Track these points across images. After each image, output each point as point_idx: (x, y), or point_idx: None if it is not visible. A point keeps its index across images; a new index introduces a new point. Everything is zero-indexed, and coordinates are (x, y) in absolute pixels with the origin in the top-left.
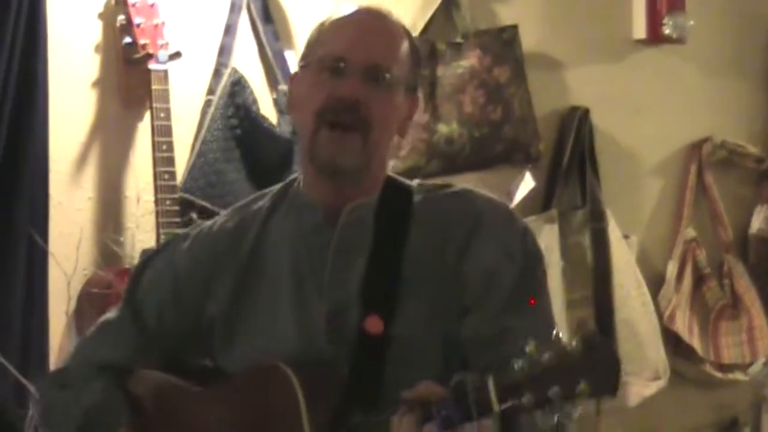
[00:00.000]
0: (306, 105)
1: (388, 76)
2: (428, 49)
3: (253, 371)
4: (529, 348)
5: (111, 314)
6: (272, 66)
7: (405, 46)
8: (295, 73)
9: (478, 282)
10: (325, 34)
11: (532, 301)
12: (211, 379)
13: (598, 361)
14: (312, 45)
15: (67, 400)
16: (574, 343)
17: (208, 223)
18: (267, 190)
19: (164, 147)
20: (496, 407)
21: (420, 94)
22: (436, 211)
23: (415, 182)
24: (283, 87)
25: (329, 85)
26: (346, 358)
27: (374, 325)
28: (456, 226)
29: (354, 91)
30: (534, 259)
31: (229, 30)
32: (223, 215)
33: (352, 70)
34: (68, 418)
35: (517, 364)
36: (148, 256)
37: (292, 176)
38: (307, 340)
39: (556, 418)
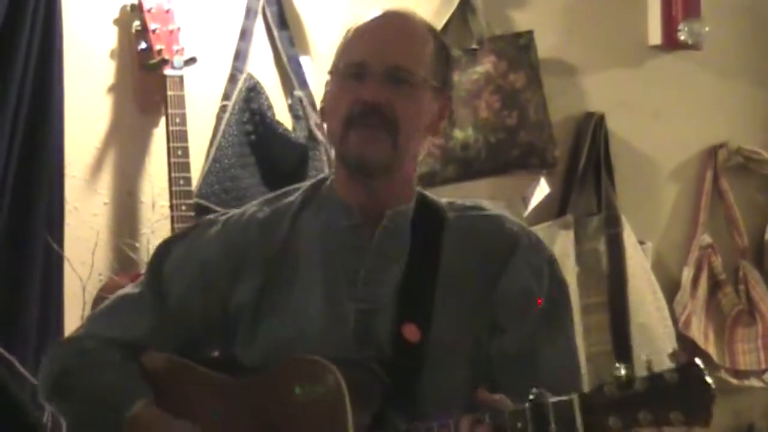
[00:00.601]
0: (335, 113)
1: (410, 76)
2: None
3: (293, 364)
4: (618, 372)
5: (130, 290)
6: (287, 72)
7: (429, 45)
8: (327, 83)
9: (514, 301)
10: (349, 41)
11: (561, 328)
12: (225, 369)
13: (693, 390)
14: (339, 53)
15: (84, 371)
16: (667, 371)
17: (238, 211)
18: (296, 186)
19: (180, 152)
20: (580, 426)
21: (451, 93)
22: (471, 230)
23: (444, 200)
24: (299, 93)
25: (352, 90)
26: (380, 359)
27: (412, 333)
28: (493, 246)
29: (375, 94)
30: (562, 284)
31: (245, 35)
32: (253, 205)
33: (373, 74)
34: (85, 390)
35: (606, 387)
36: (172, 238)
37: (322, 175)
38: (334, 339)
39: None
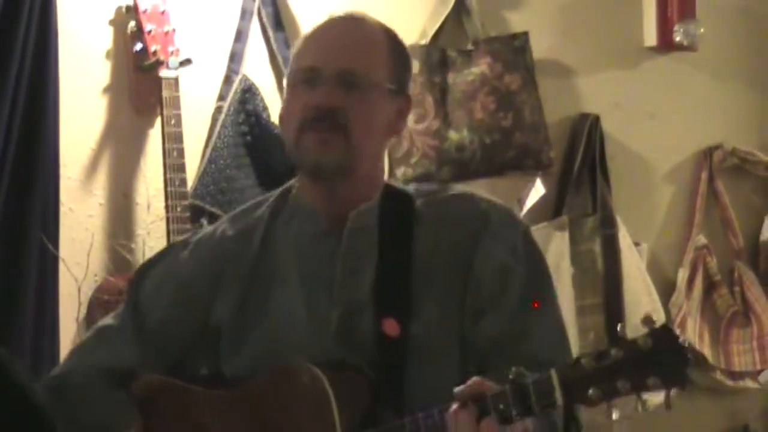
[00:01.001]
0: (289, 119)
1: (362, 80)
2: (439, 56)
3: (279, 372)
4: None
5: (109, 321)
6: (283, 73)
7: (383, 48)
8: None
9: (492, 281)
10: (301, 47)
11: (544, 300)
12: (216, 384)
13: (667, 354)
14: (292, 61)
15: (72, 411)
16: (641, 338)
17: (208, 229)
18: (263, 198)
19: (175, 153)
20: (559, 400)
21: (410, 93)
22: (440, 214)
23: (411, 186)
24: None
25: (304, 96)
26: (364, 360)
27: (392, 327)
28: (463, 227)
29: (327, 98)
30: (539, 255)
31: (240, 37)
32: (221, 222)
33: (324, 78)
34: (72, 423)
35: (583, 359)
36: (146, 264)
37: (288, 183)
38: (319, 344)
39: (615, 415)
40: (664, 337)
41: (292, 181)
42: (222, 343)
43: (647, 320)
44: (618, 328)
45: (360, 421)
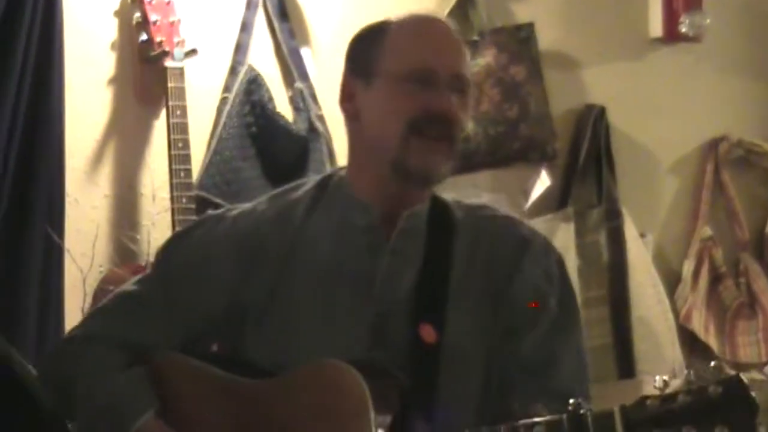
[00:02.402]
0: (392, 113)
1: (467, 86)
2: None
3: (313, 368)
4: (659, 384)
5: (133, 288)
6: (288, 63)
7: (468, 54)
8: (352, 82)
9: (526, 303)
10: (399, 45)
11: (572, 329)
12: (235, 367)
13: (736, 404)
14: (378, 53)
15: (89, 379)
16: (711, 385)
17: (246, 207)
18: (300, 182)
19: (180, 145)
20: None
21: None
22: (481, 230)
23: (451, 198)
24: (299, 85)
25: (420, 96)
26: (395, 362)
27: (429, 333)
28: (504, 246)
29: (448, 104)
30: (571, 286)
31: (246, 27)
32: (261, 202)
33: (443, 82)
34: (91, 400)
35: (649, 400)
36: (179, 234)
37: (328, 172)
38: (350, 339)
39: None
40: (734, 386)
41: (331, 171)
42: (247, 325)
43: (717, 368)
44: (691, 373)
45: (391, 424)
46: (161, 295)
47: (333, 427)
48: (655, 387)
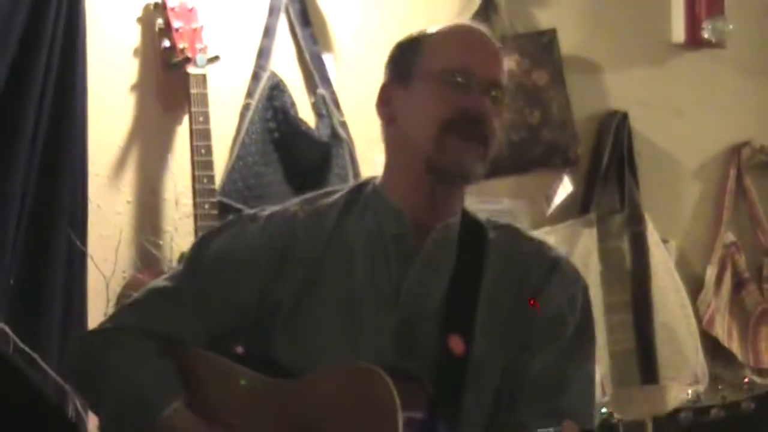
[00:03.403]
0: (423, 114)
1: (503, 94)
2: None
3: (342, 370)
4: (692, 396)
5: (164, 284)
6: (310, 69)
7: (506, 63)
8: (390, 87)
9: (548, 323)
10: (438, 46)
11: (586, 356)
12: (262, 366)
13: None
14: (416, 57)
15: (120, 365)
16: (744, 401)
17: (279, 208)
18: (335, 188)
19: (203, 151)
20: None
21: None
22: (513, 250)
23: (482, 216)
24: (322, 91)
25: (456, 97)
26: (421, 370)
27: (457, 345)
28: (535, 268)
29: (483, 107)
30: (591, 313)
31: (268, 33)
32: (294, 204)
33: (479, 85)
34: (121, 384)
35: (682, 413)
36: (212, 232)
37: (365, 179)
38: (375, 344)
39: None
40: (767, 403)
41: (367, 178)
42: (275, 326)
43: (750, 385)
44: (720, 389)
45: (418, 427)
46: (193, 290)
47: (361, 428)
48: (687, 400)
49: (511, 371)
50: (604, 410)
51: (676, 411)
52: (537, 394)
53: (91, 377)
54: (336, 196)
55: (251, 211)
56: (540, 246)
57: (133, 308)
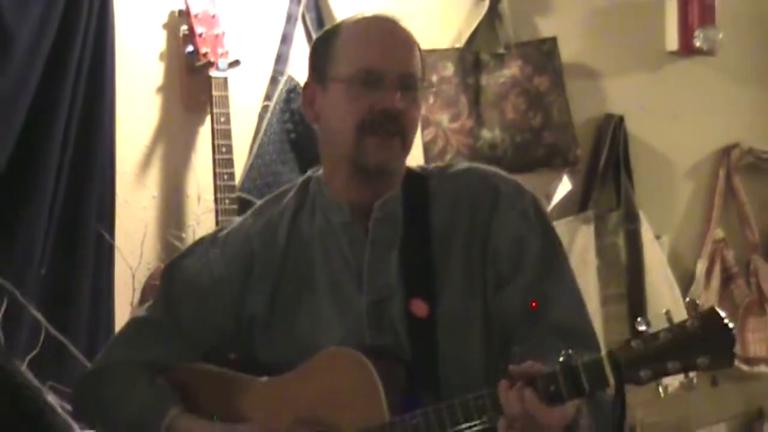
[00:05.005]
0: (341, 116)
1: (416, 83)
2: (472, 59)
3: (324, 358)
4: (640, 327)
5: (144, 314)
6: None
7: (418, 48)
8: (312, 86)
9: (509, 250)
10: (348, 45)
11: (559, 265)
12: (254, 370)
13: (715, 335)
14: (331, 55)
15: (119, 400)
16: (689, 320)
17: (234, 225)
18: (284, 189)
19: (224, 149)
20: (611, 380)
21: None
22: (453, 190)
23: (417, 166)
24: None
25: (369, 97)
26: (398, 343)
27: (420, 308)
28: (476, 201)
29: (393, 102)
30: (549, 222)
31: (286, 39)
32: (247, 218)
33: (389, 81)
34: (123, 417)
35: (633, 342)
36: (175, 261)
37: (306, 175)
38: (351, 331)
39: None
40: (711, 319)
41: (309, 173)
42: (256, 334)
43: (692, 304)
44: (665, 313)
45: (401, 403)
46: (169, 319)
47: (347, 410)
48: (637, 326)
49: (495, 311)
50: (562, 353)
51: (628, 340)
52: (523, 323)
53: (95, 416)
54: (285, 200)
55: (210, 234)
56: (477, 176)
57: (120, 343)
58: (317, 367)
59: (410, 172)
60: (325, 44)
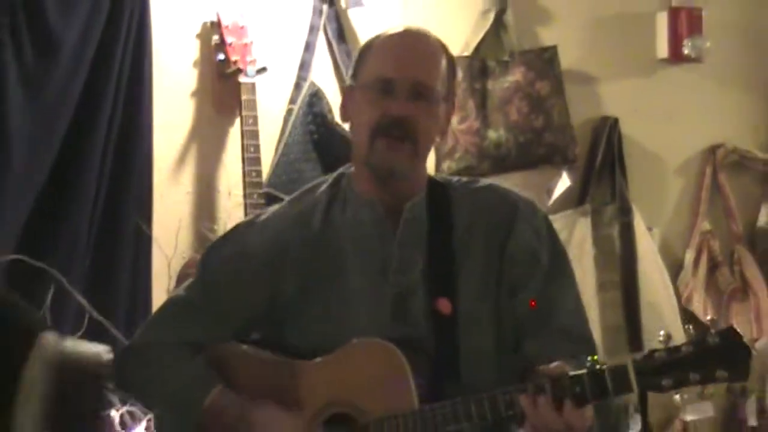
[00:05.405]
0: (360, 120)
1: (430, 93)
2: (479, 66)
3: (357, 346)
4: (663, 338)
5: (181, 294)
6: (345, 80)
7: (443, 61)
8: (349, 88)
9: (523, 260)
10: (373, 56)
11: (564, 276)
12: (282, 351)
13: (733, 351)
14: (361, 65)
15: (160, 377)
16: (710, 335)
17: (270, 212)
18: (318, 182)
19: (252, 149)
20: (635, 387)
21: (455, 100)
22: (475, 202)
23: (440, 176)
24: None
25: (381, 104)
26: (421, 336)
27: (445, 306)
28: (497, 214)
29: (403, 110)
30: (558, 238)
31: (308, 48)
32: (283, 206)
33: (400, 90)
34: (165, 392)
35: (657, 353)
36: (215, 244)
37: (338, 171)
38: (375, 320)
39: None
40: (730, 336)
41: (342, 169)
42: (286, 316)
43: (713, 323)
44: (690, 328)
45: (426, 393)
46: (206, 300)
47: (378, 397)
48: (659, 341)
49: (505, 315)
50: (589, 359)
51: (652, 351)
52: (533, 325)
53: (139, 389)
54: (319, 192)
55: (248, 219)
56: (497, 193)
57: (158, 322)
58: (351, 354)
59: (433, 180)
60: (360, 53)
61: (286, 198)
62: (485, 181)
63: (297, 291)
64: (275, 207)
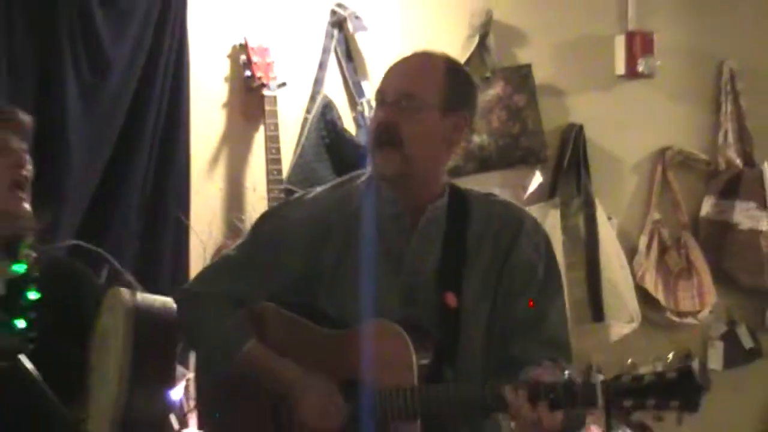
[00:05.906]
0: (369, 133)
1: (414, 101)
2: None
3: (371, 325)
4: (629, 367)
5: (232, 252)
6: (353, 93)
7: (438, 72)
8: None
9: (521, 272)
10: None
11: (556, 291)
12: (311, 316)
13: (687, 387)
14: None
15: (207, 322)
16: (669, 371)
17: (318, 191)
18: (356, 174)
19: (273, 151)
20: (600, 402)
21: (467, 112)
22: (489, 214)
23: (466, 189)
24: (360, 108)
25: (376, 113)
26: (430, 323)
27: (452, 300)
28: (507, 226)
29: (387, 116)
30: (554, 256)
31: (321, 66)
32: (326, 188)
33: (387, 99)
34: (210, 334)
35: (624, 377)
36: (269, 212)
37: (369, 172)
38: (386, 300)
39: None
40: (686, 374)
41: (370, 170)
42: (321, 285)
43: (683, 358)
44: (657, 365)
45: (427, 372)
46: (253, 259)
47: (386, 371)
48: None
49: (498, 316)
50: (566, 372)
51: (619, 376)
52: (523, 330)
53: (189, 327)
54: (357, 182)
55: (298, 195)
56: (509, 208)
57: (212, 273)
58: (365, 333)
59: (455, 188)
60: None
61: (330, 183)
62: (501, 198)
63: (333, 264)
64: (319, 189)
